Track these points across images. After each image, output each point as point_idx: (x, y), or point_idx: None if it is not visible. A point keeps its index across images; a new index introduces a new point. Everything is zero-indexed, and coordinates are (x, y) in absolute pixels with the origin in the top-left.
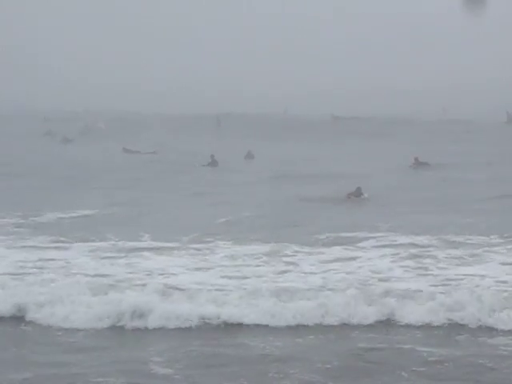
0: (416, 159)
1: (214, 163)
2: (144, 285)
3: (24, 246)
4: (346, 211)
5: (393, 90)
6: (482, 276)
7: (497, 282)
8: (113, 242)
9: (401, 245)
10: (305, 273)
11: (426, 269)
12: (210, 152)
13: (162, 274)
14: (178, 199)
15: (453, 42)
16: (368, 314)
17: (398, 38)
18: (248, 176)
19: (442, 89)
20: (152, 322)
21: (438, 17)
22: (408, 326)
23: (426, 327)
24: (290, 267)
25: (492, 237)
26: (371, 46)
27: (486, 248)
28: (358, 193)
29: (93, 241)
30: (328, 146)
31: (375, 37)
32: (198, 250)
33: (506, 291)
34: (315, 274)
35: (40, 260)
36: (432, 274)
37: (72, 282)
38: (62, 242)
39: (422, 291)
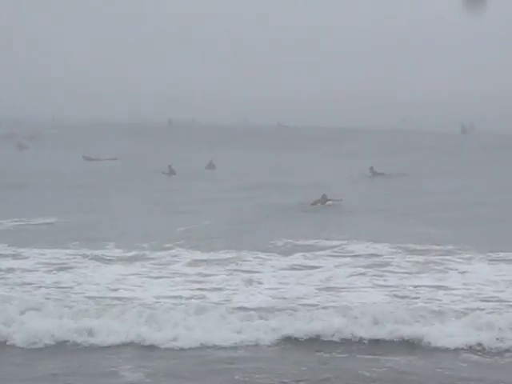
0: (371, 169)
1: (171, 172)
2: (99, 298)
3: None
4: (308, 219)
5: (355, 99)
6: (439, 287)
7: (455, 294)
8: (72, 251)
9: (359, 255)
10: (262, 283)
11: (384, 279)
12: (169, 161)
13: (116, 286)
14: (139, 207)
15: (420, 53)
16: (325, 326)
17: (361, 48)
18: (209, 185)
19: (404, 99)
20: (102, 338)
21: (403, 28)
22: (362, 338)
23: (375, 339)
24: (248, 276)
25: (449, 246)
26: (334, 55)
27: (445, 257)
28: (323, 200)
29: (52, 248)
30: (287, 155)
31: (337, 47)
32: (158, 259)
33: (464, 306)
34: (273, 284)
35: None
36: (389, 285)
37: (26, 294)
38: (21, 250)
39: (376, 303)
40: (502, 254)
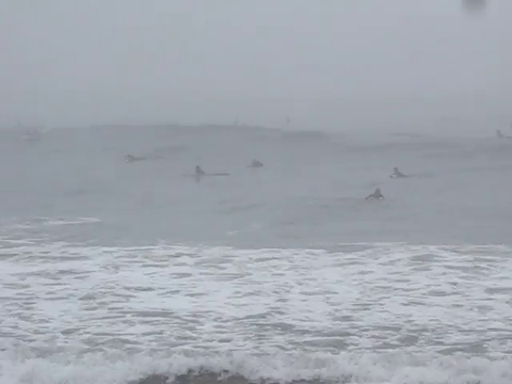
0: (396, 170)
1: (200, 173)
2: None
3: None
4: (360, 215)
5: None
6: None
7: None
8: (116, 248)
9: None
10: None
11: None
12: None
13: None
14: (181, 207)
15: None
16: None
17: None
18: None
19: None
20: None
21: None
22: None
23: None
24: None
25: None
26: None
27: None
28: (377, 194)
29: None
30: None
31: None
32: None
33: None
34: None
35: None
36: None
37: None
38: (75, 250)
39: None
40: None
